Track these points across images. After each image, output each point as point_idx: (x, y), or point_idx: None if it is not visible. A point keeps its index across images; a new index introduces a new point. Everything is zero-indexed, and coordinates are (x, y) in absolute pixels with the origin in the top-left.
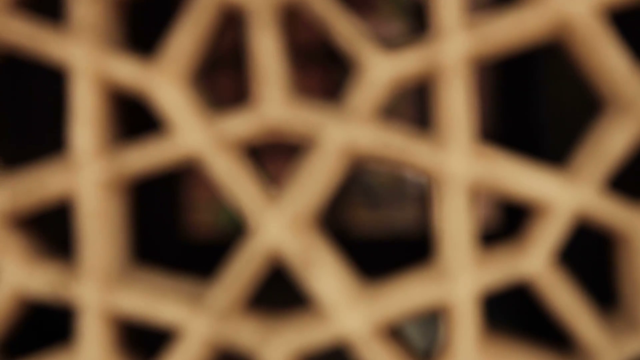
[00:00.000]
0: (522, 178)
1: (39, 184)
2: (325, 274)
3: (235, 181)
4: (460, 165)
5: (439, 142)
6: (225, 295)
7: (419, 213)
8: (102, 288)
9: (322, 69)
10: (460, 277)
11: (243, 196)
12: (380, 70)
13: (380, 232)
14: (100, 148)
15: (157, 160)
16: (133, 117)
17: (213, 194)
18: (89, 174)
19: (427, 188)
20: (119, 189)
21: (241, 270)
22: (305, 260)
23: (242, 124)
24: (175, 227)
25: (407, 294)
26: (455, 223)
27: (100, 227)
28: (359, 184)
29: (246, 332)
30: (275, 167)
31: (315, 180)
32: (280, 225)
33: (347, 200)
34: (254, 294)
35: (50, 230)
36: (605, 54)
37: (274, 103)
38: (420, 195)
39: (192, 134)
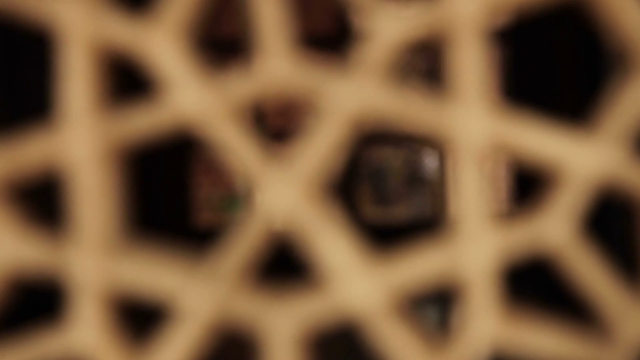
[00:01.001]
0: (542, 138)
1: (29, 151)
2: (335, 242)
3: (239, 145)
4: (476, 124)
5: (452, 102)
6: (228, 265)
7: (433, 208)
8: (99, 257)
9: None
10: (477, 241)
11: (246, 161)
12: (389, 30)
13: (391, 225)
14: (93, 112)
15: (156, 124)
16: (120, 83)
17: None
18: (83, 139)
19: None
20: (116, 155)
21: (246, 239)
22: (313, 227)
23: (244, 84)
24: (186, 218)
25: (422, 261)
26: (470, 186)
27: (96, 195)
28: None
29: (248, 305)
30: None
31: (323, 143)
32: (287, 191)
33: (358, 196)
34: (259, 275)
35: (41, 201)
36: (628, 8)
37: (278, 59)
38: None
39: (193, 94)
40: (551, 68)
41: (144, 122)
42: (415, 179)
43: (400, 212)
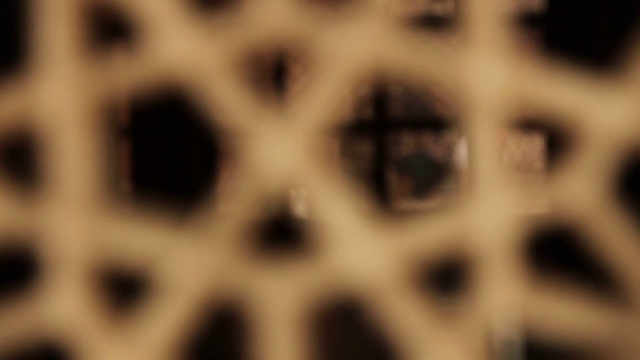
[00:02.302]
0: (563, 90)
1: (1, 106)
2: (337, 202)
3: (233, 99)
4: (493, 74)
5: (467, 51)
6: (220, 229)
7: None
8: (81, 220)
9: None
10: (493, 203)
11: (240, 117)
12: None
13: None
14: (74, 60)
15: (143, 75)
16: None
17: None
18: (63, 91)
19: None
20: (99, 109)
21: (240, 200)
22: (314, 186)
23: (238, 31)
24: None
25: (434, 224)
26: (487, 145)
27: (78, 153)
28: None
29: (241, 274)
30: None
31: (324, 97)
32: (285, 149)
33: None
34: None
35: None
36: None
37: (275, 3)
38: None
39: (182, 43)
40: (588, 20)
41: (129, 72)
42: (450, 168)
43: (435, 203)
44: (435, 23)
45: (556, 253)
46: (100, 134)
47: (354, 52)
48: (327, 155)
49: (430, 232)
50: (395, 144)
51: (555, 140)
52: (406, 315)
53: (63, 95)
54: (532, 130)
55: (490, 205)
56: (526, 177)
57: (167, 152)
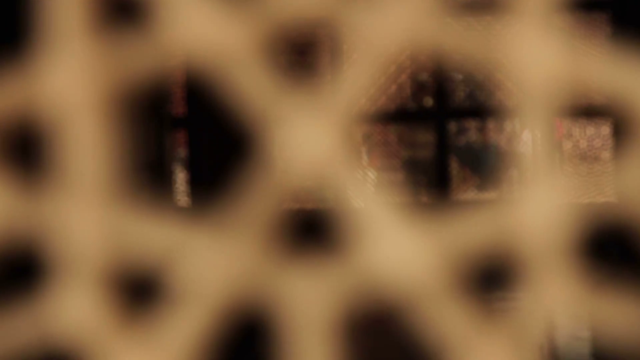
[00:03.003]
0: (632, 75)
1: (5, 92)
2: (375, 194)
3: (256, 83)
4: (547, 57)
5: (515, 29)
6: (244, 224)
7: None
8: (95, 214)
9: None
10: (544, 192)
11: (265, 102)
12: None
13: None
14: (87, 41)
15: (159, 58)
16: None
17: None
18: (75, 76)
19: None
20: (114, 96)
21: (266, 192)
22: (343, 175)
23: (260, 13)
24: None
25: (480, 218)
26: (540, 130)
27: (91, 143)
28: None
29: (268, 273)
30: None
31: (360, 79)
32: (313, 136)
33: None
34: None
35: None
36: None
37: None
38: None
39: (202, 25)
40: None
41: (145, 55)
42: (514, 158)
43: (497, 194)
44: (482, 5)
45: (623, 244)
46: (116, 121)
47: (389, 35)
48: (379, 145)
49: (476, 226)
50: (457, 132)
51: (622, 128)
52: (450, 318)
53: (74, 78)
54: (599, 118)
55: (543, 198)
56: (592, 167)
57: (224, 142)
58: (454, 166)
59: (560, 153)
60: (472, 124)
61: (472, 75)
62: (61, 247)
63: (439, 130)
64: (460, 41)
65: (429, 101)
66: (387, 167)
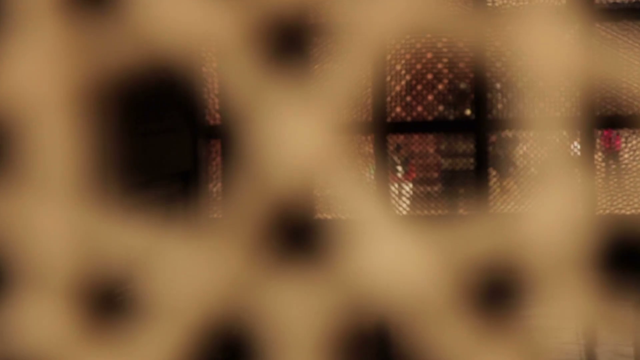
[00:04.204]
0: None
1: None
2: (371, 203)
3: (244, 73)
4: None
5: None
6: (236, 231)
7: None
8: (65, 215)
9: None
10: (556, 205)
11: (250, 92)
12: None
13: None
14: (60, 24)
15: (140, 47)
16: None
17: None
18: (45, 68)
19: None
20: (89, 89)
21: (253, 195)
22: (344, 184)
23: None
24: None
25: (487, 229)
26: (560, 141)
27: (61, 141)
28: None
29: (256, 285)
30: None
31: (352, 68)
32: (305, 133)
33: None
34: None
35: None
36: None
37: None
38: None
39: (182, 10)
40: None
41: (121, 43)
42: (559, 167)
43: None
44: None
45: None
46: (89, 119)
47: (381, 22)
48: (415, 156)
49: (481, 237)
50: (497, 143)
51: None
52: (448, 333)
53: (41, 69)
54: None
55: (553, 210)
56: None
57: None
58: (493, 178)
59: (617, 164)
60: (512, 134)
61: (514, 85)
62: (27, 255)
63: (479, 141)
64: (454, 25)
65: (468, 111)
66: (423, 179)
